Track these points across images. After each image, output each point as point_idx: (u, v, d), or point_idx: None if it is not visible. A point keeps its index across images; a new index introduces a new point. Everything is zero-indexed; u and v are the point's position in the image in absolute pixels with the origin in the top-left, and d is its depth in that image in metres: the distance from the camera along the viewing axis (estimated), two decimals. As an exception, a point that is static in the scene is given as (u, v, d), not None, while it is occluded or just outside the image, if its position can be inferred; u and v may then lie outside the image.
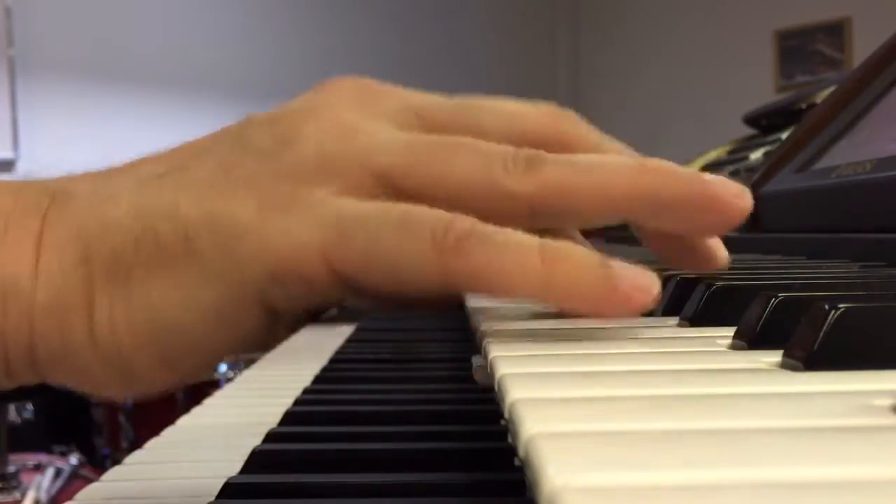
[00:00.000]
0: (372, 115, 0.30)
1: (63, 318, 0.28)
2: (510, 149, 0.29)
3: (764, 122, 1.20)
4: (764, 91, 4.14)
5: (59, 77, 3.96)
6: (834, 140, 0.66)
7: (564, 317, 0.34)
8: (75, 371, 0.29)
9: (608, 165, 0.29)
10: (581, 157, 0.29)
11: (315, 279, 0.28)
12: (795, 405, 0.19)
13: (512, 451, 0.39)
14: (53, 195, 0.29)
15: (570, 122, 0.32)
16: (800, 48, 4.39)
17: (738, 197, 0.29)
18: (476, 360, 0.31)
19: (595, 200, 0.29)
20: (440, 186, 0.28)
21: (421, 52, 4.72)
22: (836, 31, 4.27)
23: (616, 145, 0.32)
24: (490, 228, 0.27)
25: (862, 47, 3.95)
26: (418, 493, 0.36)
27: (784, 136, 0.80)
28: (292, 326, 0.33)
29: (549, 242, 0.27)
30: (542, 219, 0.29)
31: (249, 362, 0.82)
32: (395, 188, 0.29)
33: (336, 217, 0.28)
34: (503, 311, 0.38)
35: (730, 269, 0.38)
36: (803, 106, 1.05)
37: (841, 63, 4.23)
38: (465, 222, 0.27)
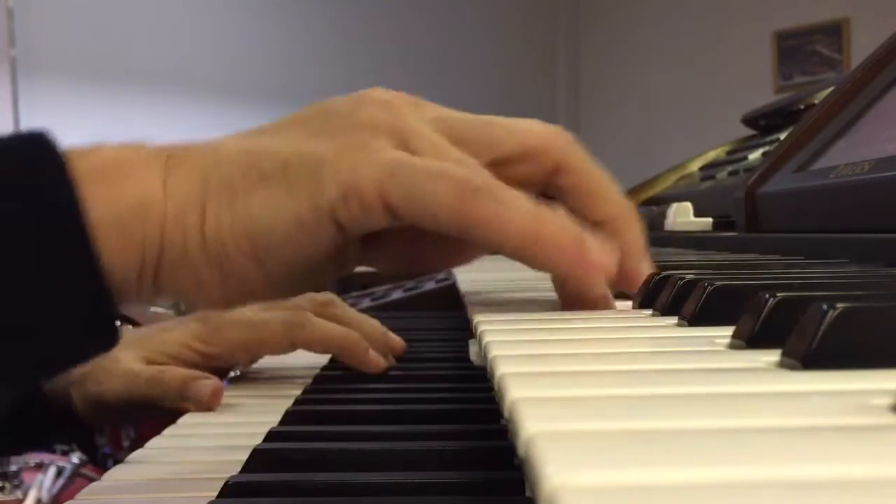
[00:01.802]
0: (412, 115, 0.39)
1: (184, 225, 0.35)
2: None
3: (763, 123, 1.20)
4: (763, 91, 4.14)
5: (61, 77, 3.96)
6: (832, 140, 0.66)
7: (564, 317, 0.34)
8: (188, 272, 0.36)
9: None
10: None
11: (370, 204, 0.36)
12: (793, 404, 0.19)
13: (512, 450, 0.39)
14: (169, 152, 0.36)
15: (566, 143, 0.40)
16: (798, 49, 4.40)
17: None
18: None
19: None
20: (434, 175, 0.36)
21: (419, 47, 4.72)
22: (835, 32, 4.27)
23: (593, 178, 0.40)
24: (500, 186, 0.35)
25: (860, 48, 3.96)
26: (418, 493, 0.36)
27: (783, 136, 0.80)
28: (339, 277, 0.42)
29: (542, 207, 0.35)
30: None
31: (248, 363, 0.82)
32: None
33: (392, 161, 0.36)
34: (502, 312, 0.38)
35: (729, 269, 0.38)
36: (802, 106, 1.05)
37: (839, 64, 4.23)
38: (481, 179, 0.36)
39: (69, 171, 0.33)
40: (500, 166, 0.38)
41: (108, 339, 0.34)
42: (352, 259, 0.40)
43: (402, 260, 0.43)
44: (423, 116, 0.39)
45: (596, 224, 0.38)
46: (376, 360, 0.64)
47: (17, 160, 0.33)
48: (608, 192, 0.40)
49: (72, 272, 0.32)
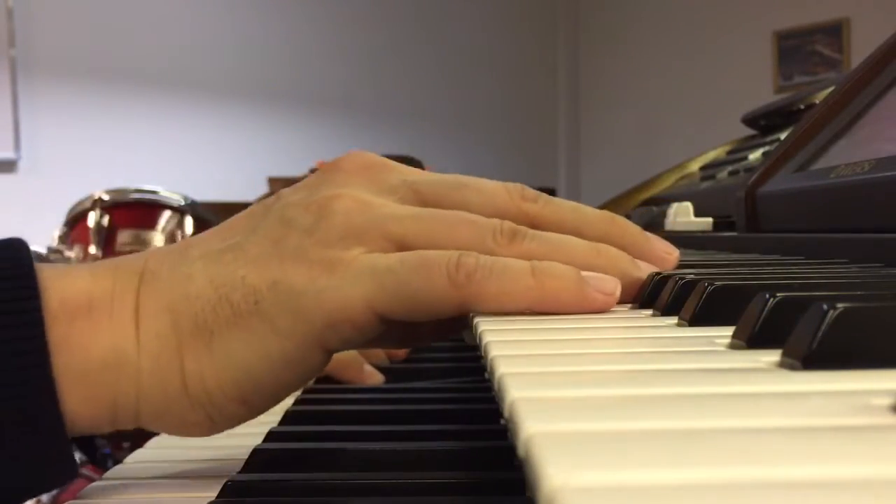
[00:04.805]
0: (379, 192, 0.37)
1: (162, 377, 0.34)
2: (497, 221, 0.36)
3: (763, 123, 1.20)
4: (763, 91, 4.14)
5: (61, 77, 3.96)
6: (833, 140, 0.66)
7: (564, 317, 0.34)
8: (172, 419, 0.35)
9: (569, 245, 0.37)
10: (551, 236, 0.37)
11: (362, 322, 0.35)
12: (794, 404, 0.19)
13: (512, 450, 0.39)
14: (141, 276, 0.35)
15: (533, 202, 0.39)
16: (799, 49, 4.39)
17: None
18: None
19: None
20: (442, 248, 0.35)
21: (420, 48, 4.72)
22: (835, 32, 4.27)
23: (572, 215, 0.39)
24: (490, 259, 0.35)
25: (860, 48, 3.95)
26: (418, 493, 0.36)
27: (783, 136, 0.80)
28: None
29: (536, 264, 0.35)
30: None
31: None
32: (407, 248, 0.36)
33: (371, 270, 0.34)
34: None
35: (729, 269, 0.38)
36: (802, 106, 1.04)
37: (840, 63, 4.23)
38: (469, 258, 0.34)
39: (40, 310, 0.32)
40: None
41: (64, 475, 0.34)
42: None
43: (392, 341, 0.42)
44: (388, 188, 0.38)
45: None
46: (372, 376, 0.65)
47: None
48: (583, 221, 0.39)
49: (32, 415, 0.32)
